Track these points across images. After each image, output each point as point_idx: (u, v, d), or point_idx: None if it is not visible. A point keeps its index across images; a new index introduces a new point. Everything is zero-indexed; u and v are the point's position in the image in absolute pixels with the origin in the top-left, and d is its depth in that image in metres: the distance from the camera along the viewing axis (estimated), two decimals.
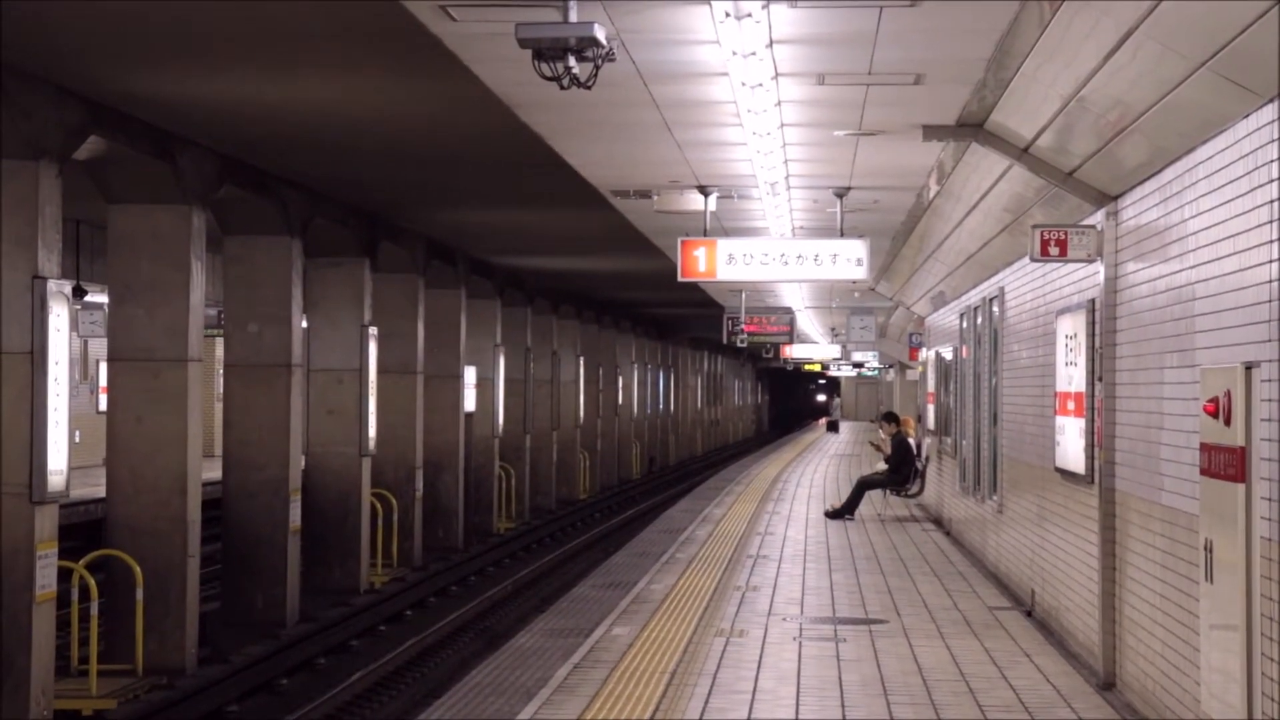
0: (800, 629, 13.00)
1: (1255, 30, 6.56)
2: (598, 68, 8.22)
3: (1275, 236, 6.99)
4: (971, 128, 11.77)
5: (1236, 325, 7.56)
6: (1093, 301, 11.06)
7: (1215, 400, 7.56)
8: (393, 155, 17.10)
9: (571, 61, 8.03)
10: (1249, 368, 7.23)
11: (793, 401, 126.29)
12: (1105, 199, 10.65)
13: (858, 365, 62.28)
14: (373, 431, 22.15)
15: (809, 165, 14.77)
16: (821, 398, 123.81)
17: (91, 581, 15.03)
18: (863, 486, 24.41)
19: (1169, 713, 9.02)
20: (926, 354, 26.68)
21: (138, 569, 15.39)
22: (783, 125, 12.60)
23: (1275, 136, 6.99)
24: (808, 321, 43.27)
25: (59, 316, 13.18)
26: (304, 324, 20.67)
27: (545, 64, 8.09)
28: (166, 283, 16.15)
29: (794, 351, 52.20)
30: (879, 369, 63.32)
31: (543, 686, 10.58)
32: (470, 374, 29.22)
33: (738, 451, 67.45)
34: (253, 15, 11.10)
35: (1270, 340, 6.99)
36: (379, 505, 23.06)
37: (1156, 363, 9.34)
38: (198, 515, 16.31)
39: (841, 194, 16.29)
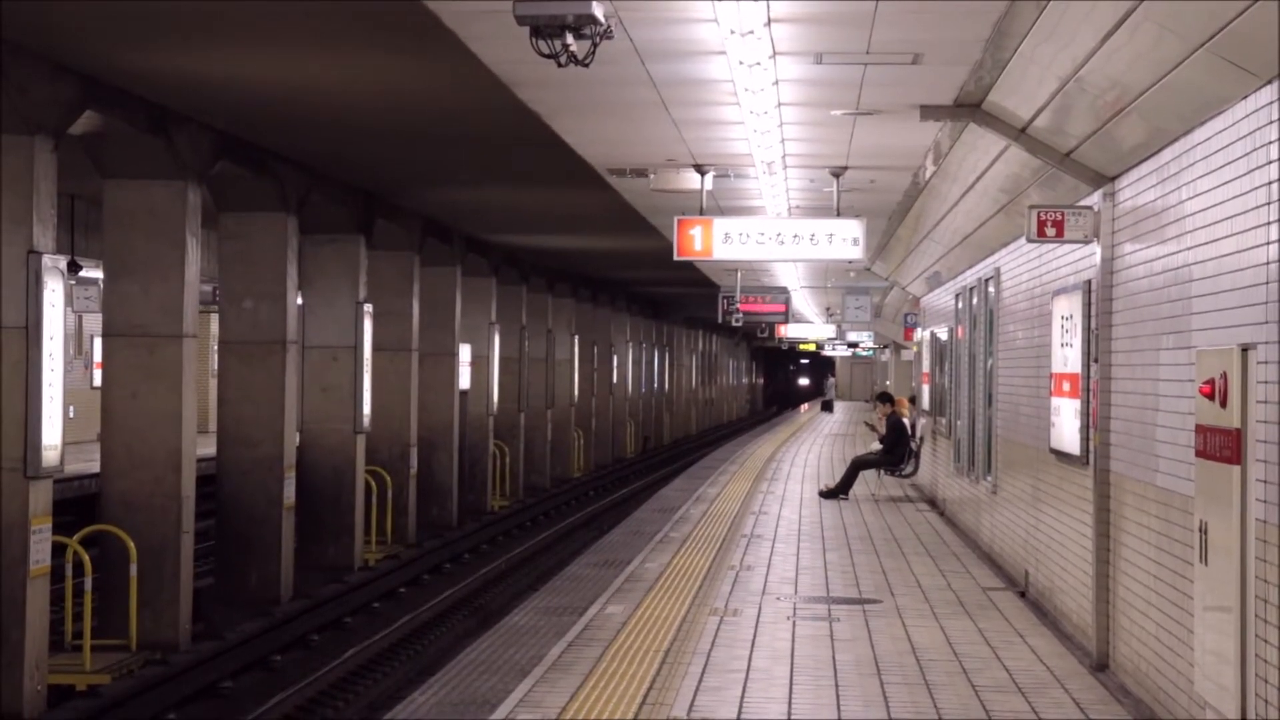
0: (794, 608, 13.01)
1: (1254, 12, 6.54)
2: (595, 45, 8.20)
3: (1273, 218, 6.98)
4: (969, 108, 11.75)
5: (1233, 307, 7.55)
6: (1089, 282, 11.05)
7: (1211, 382, 7.56)
8: (390, 133, 17.06)
9: (569, 39, 8.02)
10: (1245, 349, 7.22)
11: (780, 384, 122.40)
12: (1102, 180, 10.64)
13: (853, 345, 62.20)
14: (367, 409, 22.14)
15: (806, 145, 14.74)
16: (804, 381, 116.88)
17: (85, 557, 15.02)
18: (857, 466, 24.43)
19: (1162, 694, 9.03)
20: (922, 334, 26.67)
21: (132, 544, 15.40)
22: (780, 104, 12.57)
23: (1274, 118, 6.98)
24: (803, 301, 43.22)
25: (54, 291, 13.17)
26: (299, 301, 20.65)
27: (543, 41, 8.07)
28: (162, 259, 16.13)
29: (789, 331, 52.11)
30: (874, 349, 63.26)
31: (536, 664, 10.59)
32: (465, 352, 29.22)
33: (732, 431, 67.46)
34: None
35: (1267, 322, 6.99)
36: (373, 482, 23.07)
37: (1152, 344, 9.34)
38: (192, 491, 16.31)
39: (838, 173, 16.27)
